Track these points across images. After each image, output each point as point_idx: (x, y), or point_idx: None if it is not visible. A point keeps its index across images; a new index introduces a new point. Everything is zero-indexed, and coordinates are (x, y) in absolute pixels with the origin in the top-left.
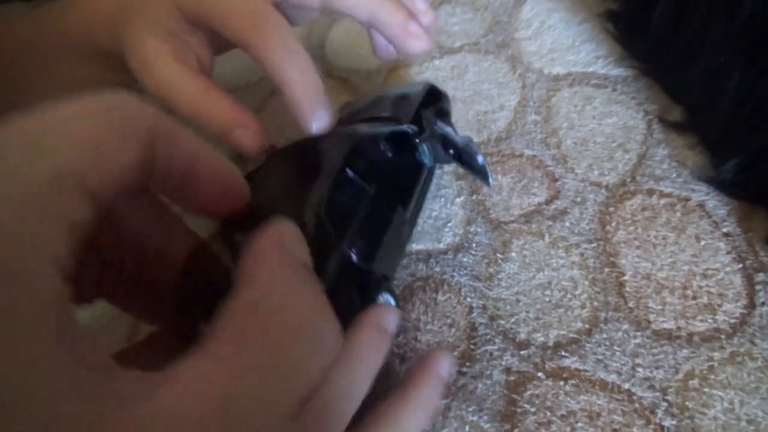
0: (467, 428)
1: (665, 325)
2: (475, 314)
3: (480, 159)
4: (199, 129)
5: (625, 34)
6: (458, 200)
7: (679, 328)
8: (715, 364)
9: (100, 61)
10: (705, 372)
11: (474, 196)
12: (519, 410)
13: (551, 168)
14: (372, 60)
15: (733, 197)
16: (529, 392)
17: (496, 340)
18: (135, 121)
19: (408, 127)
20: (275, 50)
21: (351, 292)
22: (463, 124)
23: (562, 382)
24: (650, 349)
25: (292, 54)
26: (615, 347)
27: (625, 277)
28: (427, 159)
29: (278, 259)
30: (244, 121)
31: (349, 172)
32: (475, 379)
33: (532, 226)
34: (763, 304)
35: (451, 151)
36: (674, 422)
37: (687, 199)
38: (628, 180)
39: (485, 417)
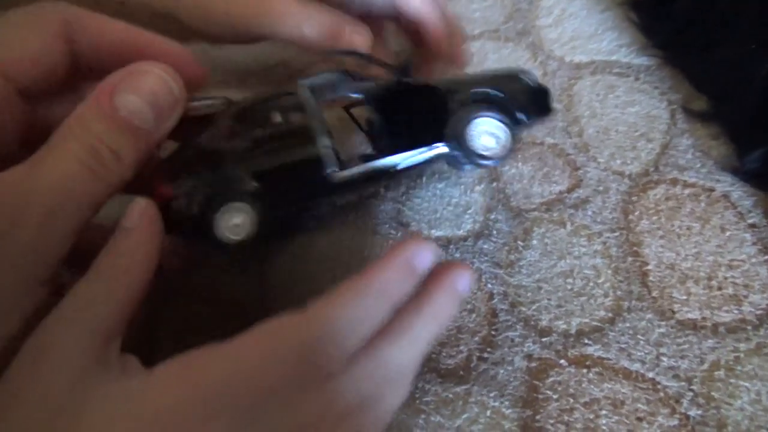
0: (488, 413)
1: (690, 315)
2: (496, 300)
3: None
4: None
5: (648, 22)
6: (478, 188)
7: (704, 318)
8: (741, 355)
9: None
10: (731, 363)
11: (494, 184)
12: (541, 396)
13: (573, 156)
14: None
15: (759, 188)
16: (551, 379)
17: (518, 327)
18: (47, 15)
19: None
20: None
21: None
22: None
23: (585, 370)
24: (675, 338)
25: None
26: (639, 336)
27: (649, 267)
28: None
29: None
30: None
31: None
32: (496, 365)
33: (553, 215)
34: None
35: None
36: (700, 412)
37: (711, 190)
38: (651, 169)
39: (506, 402)
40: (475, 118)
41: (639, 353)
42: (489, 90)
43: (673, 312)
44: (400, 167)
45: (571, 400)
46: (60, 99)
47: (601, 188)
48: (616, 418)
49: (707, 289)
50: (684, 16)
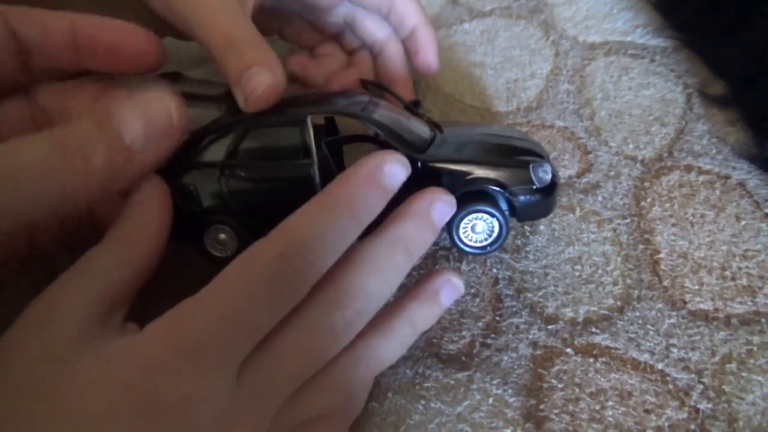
0: (491, 401)
1: (702, 306)
2: (501, 285)
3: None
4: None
5: (665, 2)
6: None
7: (716, 309)
8: (755, 348)
9: None
10: (743, 356)
11: None
12: (546, 385)
13: (584, 140)
14: None
15: None
16: (556, 368)
17: (523, 313)
18: None
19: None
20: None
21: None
22: (492, 92)
23: (591, 359)
24: (685, 329)
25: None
26: (648, 326)
27: (660, 255)
28: None
29: None
30: (267, 60)
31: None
32: (499, 352)
33: (562, 200)
34: None
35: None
36: (710, 405)
37: (727, 177)
38: (665, 155)
39: (510, 391)
40: (468, 213)
41: (648, 344)
42: (489, 187)
43: (685, 302)
44: None
45: (577, 390)
46: (11, 101)
47: (612, 173)
48: (623, 409)
49: (720, 280)
50: None
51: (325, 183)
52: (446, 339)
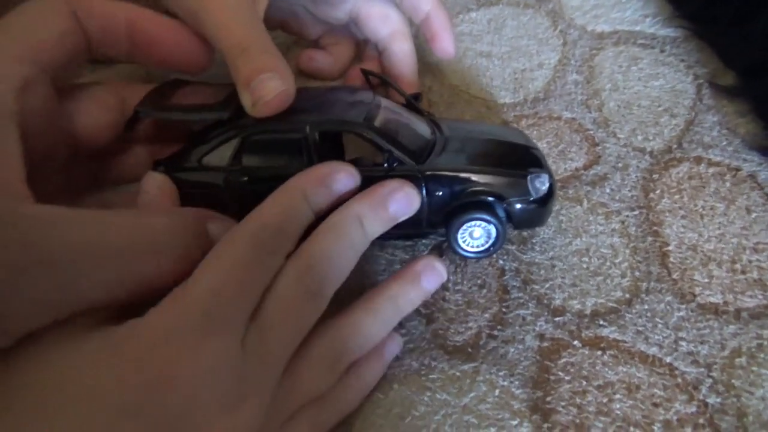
0: (497, 392)
1: (711, 299)
2: (507, 277)
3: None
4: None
5: None
6: None
7: (726, 302)
8: (765, 342)
9: None
10: (753, 350)
11: None
12: (552, 378)
13: (591, 132)
14: None
15: None
16: (563, 360)
17: (530, 305)
18: (55, 2)
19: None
20: None
21: None
22: (498, 83)
23: (599, 352)
24: (695, 322)
25: None
26: (657, 319)
27: (669, 247)
28: None
29: None
30: (278, 67)
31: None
32: (506, 344)
33: (569, 192)
34: None
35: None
36: (719, 400)
37: (737, 169)
38: (675, 146)
39: (516, 383)
40: (467, 221)
41: (657, 337)
42: (487, 198)
43: (694, 295)
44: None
45: (584, 383)
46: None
47: (620, 165)
48: (631, 402)
49: (730, 273)
50: None
51: None
52: (452, 330)
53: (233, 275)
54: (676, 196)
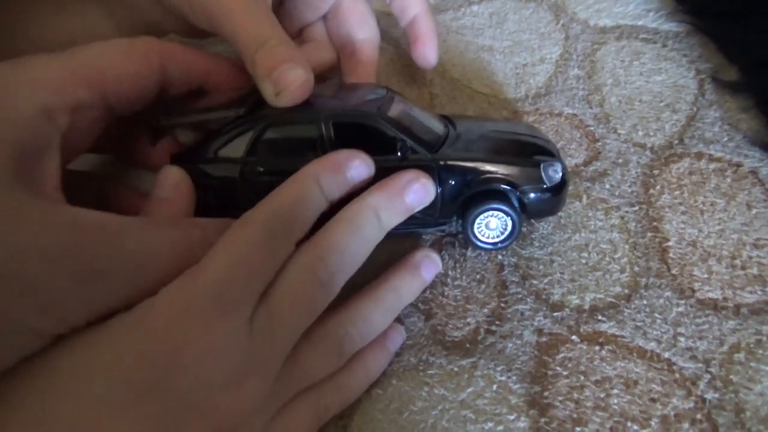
0: (495, 387)
1: (711, 295)
2: (506, 272)
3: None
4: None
5: None
6: None
7: (725, 298)
8: (764, 339)
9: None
10: (752, 346)
11: None
12: (550, 373)
13: (592, 128)
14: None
15: None
16: (561, 355)
17: (528, 300)
18: (149, 46)
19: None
20: None
21: None
22: (500, 77)
23: (597, 347)
24: (694, 318)
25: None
26: (656, 314)
27: (669, 243)
28: None
29: None
30: (298, 58)
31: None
32: (504, 339)
33: (568, 188)
34: None
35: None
36: (717, 395)
37: (739, 165)
38: (676, 142)
39: (514, 377)
40: (484, 210)
41: (655, 332)
42: (502, 186)
43: (693, 291)
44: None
45: (582, 378)
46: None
47: (620, 161)
48: (628, 397)
49: (730, 269)
50: None
51: None
52: (451, 326)
53: (244, 259)
54: (677, 192)
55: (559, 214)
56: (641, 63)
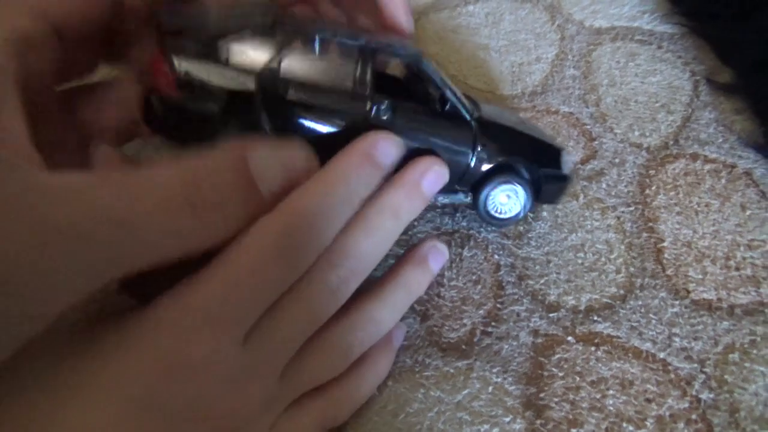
0: (490, 389)
1: (705, 296)
2: (502, 272)
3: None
4: None
5: None
6: None
7: (720, 299)
8: (758, 339)
9: None
10: (746, 346)
11: None
12: (546, 374)
13: (589, 127)
14: None
15: None
16: (557, 356)
17: (524, 301)
18: None
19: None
20: None
21: None
22: (496, 75)
23: (593, 348)
24: (688, 318)
25: None
26: (651, 315)
27: (664, 244)
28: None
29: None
30: None
31: None
32: (500, 340)
33: None
34: None
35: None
36: (712, 395)
37: (733, 166)
38: (671, 143)
39: (510, 379)
40: (500, 184)
41: (650, 332)
42: (521, 166)
43: (688, 291)
44: None
45: (578, 379)
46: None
47: (617, 160)
48: (624, 398)
49: (724, 269)
50: None
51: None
52: (447, 327)
53: (246, 280)
54: (672, 193)
55: (557, 213)
56: (636, 64)
